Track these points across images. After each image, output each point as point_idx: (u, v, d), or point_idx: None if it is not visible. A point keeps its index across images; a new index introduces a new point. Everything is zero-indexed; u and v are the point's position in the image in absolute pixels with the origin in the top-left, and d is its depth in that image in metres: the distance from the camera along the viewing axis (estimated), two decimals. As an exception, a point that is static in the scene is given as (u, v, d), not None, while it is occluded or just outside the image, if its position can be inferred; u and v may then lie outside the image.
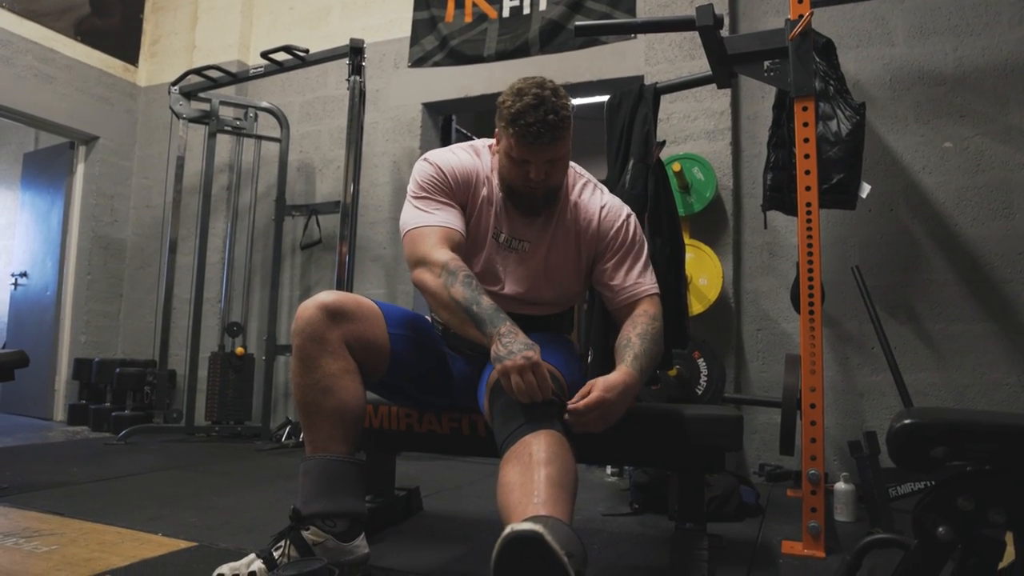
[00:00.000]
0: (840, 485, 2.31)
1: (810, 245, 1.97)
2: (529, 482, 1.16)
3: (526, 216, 1.62)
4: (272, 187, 4.30)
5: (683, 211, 3.15)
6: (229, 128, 4.23)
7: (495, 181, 1.63)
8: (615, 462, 2.84)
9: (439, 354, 1.70)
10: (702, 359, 2.97)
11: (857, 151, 2.54)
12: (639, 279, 1.64)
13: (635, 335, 1.53)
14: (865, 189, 2.58)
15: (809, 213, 1.99)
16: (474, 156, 1.66)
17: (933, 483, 2.14)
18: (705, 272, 3.11)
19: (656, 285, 1.67)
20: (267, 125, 4.33)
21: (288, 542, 1.38)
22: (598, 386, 1.35)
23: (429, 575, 1.56)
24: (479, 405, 1.50)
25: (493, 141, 1.65)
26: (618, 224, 1.66)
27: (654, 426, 1.69)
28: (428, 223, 1.53)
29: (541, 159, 1.50)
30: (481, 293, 1.41)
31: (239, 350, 4.06)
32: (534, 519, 1.00)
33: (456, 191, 1.60)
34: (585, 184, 1.70)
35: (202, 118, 4.13)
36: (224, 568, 1.33)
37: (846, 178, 2.51)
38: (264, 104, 4.26)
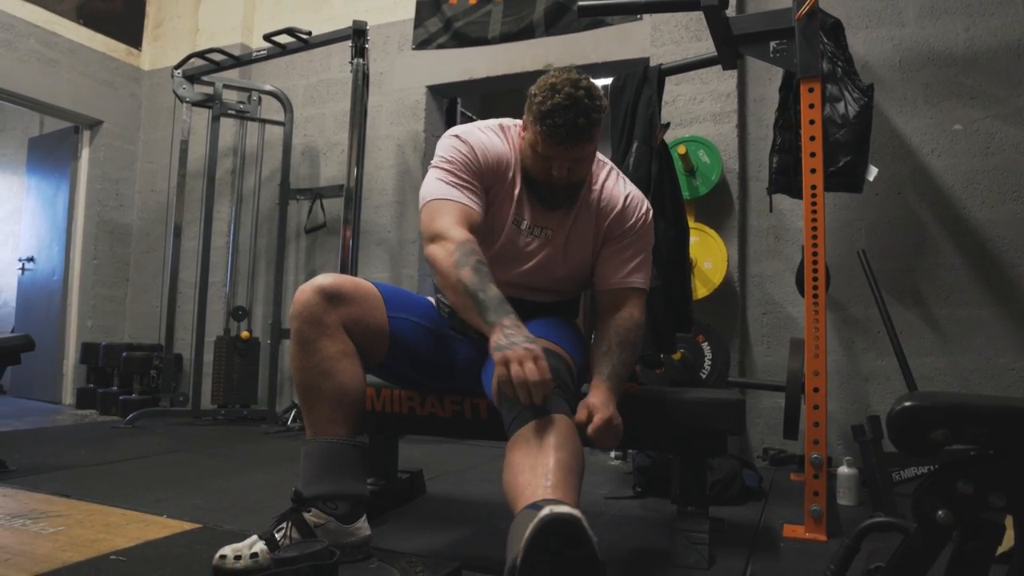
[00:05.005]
0: (843, 469, 2.31)
1: (815, 228, 1.95)
2: (539, 465, 1.16)
3: (546, 206, 1.60)
4: (276, 171, 4.30)
5: (688, 194, 3.13)
6: (233, 112, 4.21)
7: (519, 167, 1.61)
8: (618, 445, 2.84)
9: (441, 336, 1.69)
10: (706, 343, 2.96)
11: (865, 133, 2.51)
12: (633, 272, 1.63)
13: (616, 344, 1.54)
14: (872, 172, 2.56)
15: (814, 196, 1.97)
16: (503, 138, 1.62)
17: (927, 473, 2.14)
18: (710, 256, 3.10)
19: (647, 284, 1.67)
20: (271, 108, 4.32)
21: (290, 524, 1.39)
22: (598, 411, 1.38)
23: (432, 556, 1.56)
24: (484, 387, 1.49)
25: (521, 123, 1.62)
26: (638, 216, 1.65)
27: (657, 409, 1.69)
28: (450, 197, 1.50)
29: (566, 158, 1.49)
30: (490, 281, 1.38)
31: (244, 334, 4.08)
32: (558, 503, 1.00)
33: (483, 173, 1.56)
34: (609, 172, 1.68)
35: (206, 102, 4.11)
36: (226, 549, 1.34)
37: (853, 161, 2.49)
38: (268, 87, 4.25)
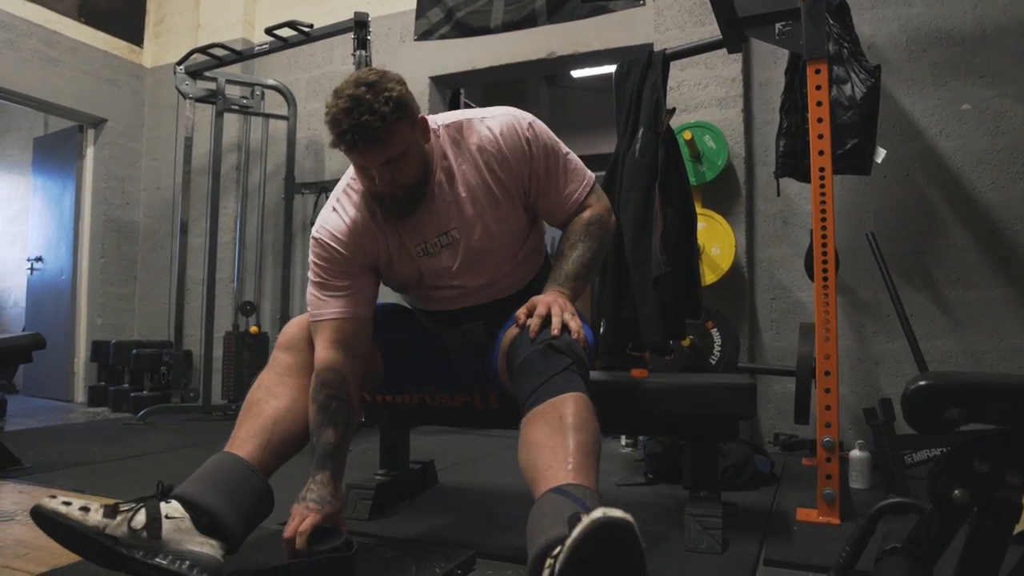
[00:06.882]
0: (855, 453, 2.30)
1: (823, 211, 1.94)
2: (560, 446, 1.15)
3: (414, 215, 1.45)
4: (281, 165, 4.30)
5: (695, 180, 3.12)
6: (236, 107, 4.21)
7: None
8: (629, 432, 2.84)
9: (432, 343, 1.69)
10: (715, 329, 2.95)
11: (872, 115, 2.49)
12: (567, 190, 1.51)
13: (567, 246, 1.49)
14: (880, 154, 2.54)
15: (822, 178, 1.95)
16: (353, 198, 1.51)
17: (942, 453, 2.12)
18: (718, 241, 3.08)
19: (587, 181, 1.53)
20: (274, 103, 4.31)
21: (139, 506, 1.23)
22: (538, 303, 1.36)
23: (446, 545, 1.56)
24: (493, 366, 1.48)
25: None
26: (524, 139, 1.46)
27: (668, 396, 1.69)
28: (319, 316, 1.47)
29: (375, 163, 1.34)
30: (327, 425, 1.38)
31: (253, 329, 4.09)
32: (608, 507, 0.95)
33: (352, 255, 1.47)
34: (461, 126, 1.48)
35: (209, 97, 4.11)
36: (61, 495, 1.22)
37: (861, 143, 2.47)
38: (270, 82, 4.24)
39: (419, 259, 1.51)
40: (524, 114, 1.51)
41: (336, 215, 1.50)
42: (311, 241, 1.52)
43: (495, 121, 1.48)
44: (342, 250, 1.47)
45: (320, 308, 1.47)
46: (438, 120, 1.50)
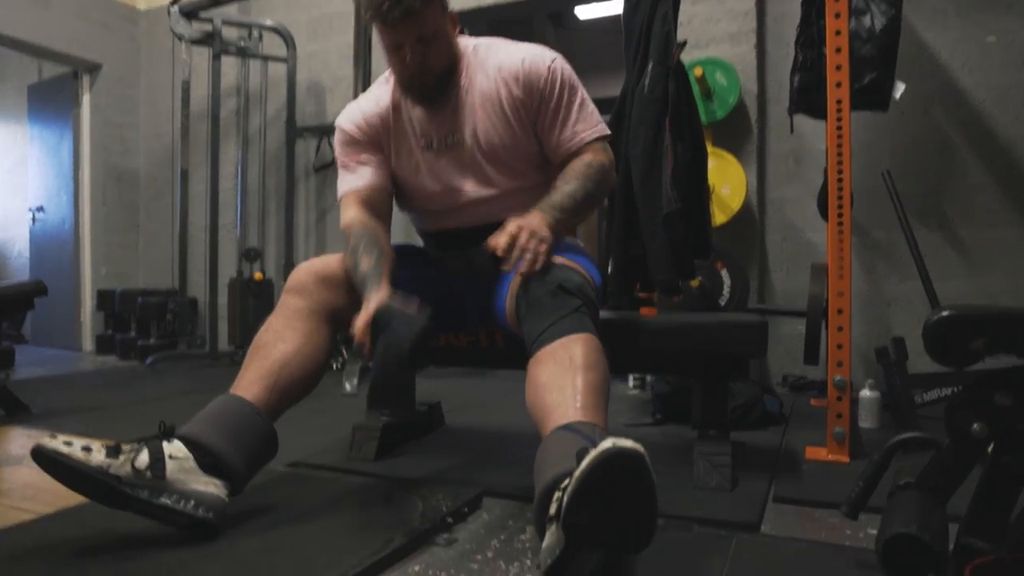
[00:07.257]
0: (865, 392, 2.28)
1: (839, 144, 1.88)
2: (568, 385, 1.14)
3: (434, 107, 1.53)
4: (282, 109, 4.20)
5: (705, 119, 3.03)
6: (234, 49, 4.09)
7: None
8: (639, 370, 2.82)
9: (443, 278, 1.65)
10: (725, 270, 2.90)
11: (891, 48, 2.39)
12: (576, 128, 1.51)
13: (562, 182, 1.46)
14: (899, 89, 2.45)
15: (839, 110, 1.88)
16: (383, 86, 1.62)
17: (961, 388, 2.10)
18: (728, 181, 3.01)
19: (598, 128, 1.54)
20: (273, 45, 4.19)
21: (141, 445, 1.22)
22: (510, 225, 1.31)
23: (453, 484, 1.56)
24: (498, 313, 1.46)
25: None
26: (543, 70, 1.49)
27: (678, 334, 1.66)
28: (341, 191, 1.59)
29: (409, 39, 1.42)
30: (361, 255, 1.43)
31: (257, 275, 4.07)
32: (618, 436, 0.93)
33: (368, 138, 1.59)
34: (489, 46, 1.56)
35: (205, 40, 3.99)
36: (61, 436, 1.21)
37: (879, 77, 2.38)
38: (268, 23, 4.11)
39: (422, 153, 1.57)
40: (551, 51, 1.56)
41: (353, 105, 1.64)
42: (335, 133, 1.65)
43: (521, 49, 1.55)
44: (355, 130, 1.59)
45: (344, 187, 1.59)
46: (467, 41, 1.58)
